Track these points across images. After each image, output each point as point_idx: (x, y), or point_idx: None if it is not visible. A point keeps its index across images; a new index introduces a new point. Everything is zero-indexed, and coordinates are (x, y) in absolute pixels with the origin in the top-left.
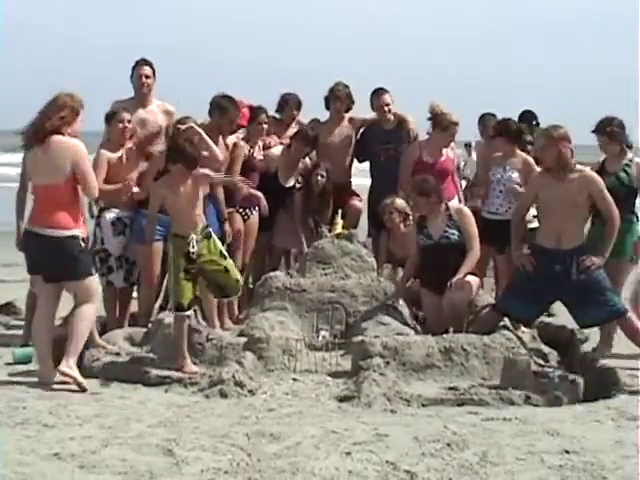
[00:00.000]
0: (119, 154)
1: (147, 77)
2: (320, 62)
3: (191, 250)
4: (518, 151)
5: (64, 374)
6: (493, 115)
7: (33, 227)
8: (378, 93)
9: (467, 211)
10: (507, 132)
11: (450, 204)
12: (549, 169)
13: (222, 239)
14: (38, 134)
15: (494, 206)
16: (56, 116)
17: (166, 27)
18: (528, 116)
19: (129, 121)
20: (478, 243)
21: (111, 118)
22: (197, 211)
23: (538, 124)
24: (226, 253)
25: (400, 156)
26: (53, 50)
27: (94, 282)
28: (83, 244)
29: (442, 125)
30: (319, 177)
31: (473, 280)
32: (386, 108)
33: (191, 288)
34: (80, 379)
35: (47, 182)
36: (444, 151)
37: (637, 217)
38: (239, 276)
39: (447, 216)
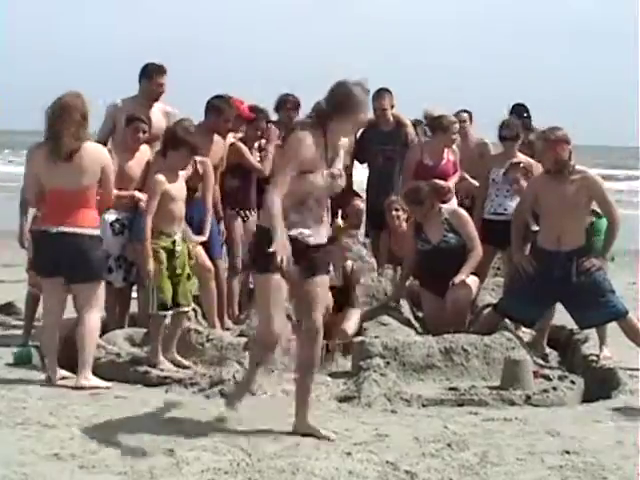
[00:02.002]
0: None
1: (162, 85)
2: (321, 61)
3: (177, 249)
4: (518, 152)
5: (83, 388)
6: (468, 112)
7: (55, 228)
8: (377, 95)
9: (462, 212)
10: (513, 134)
11: (444, 207)
12: (549, 171)
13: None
14: (66, 150)
15: (501, 207)
16: (76, 128)
17: (164, 25)
18: (518, 109)
19: (144, 131)
20: (479, 242)
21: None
22: (183, 210)
23: (529, 117)
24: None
25: (398, 158)
26: (53, 47)
27: (101, 287)
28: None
29: (442, 127)
30: None
31: (474, 280)
32: (382, 112)
33: (170, 288)
34: (102, 385)
35: (76, 186)
36: (445, 154)
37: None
38: (193, 287)
39: (443, 220)
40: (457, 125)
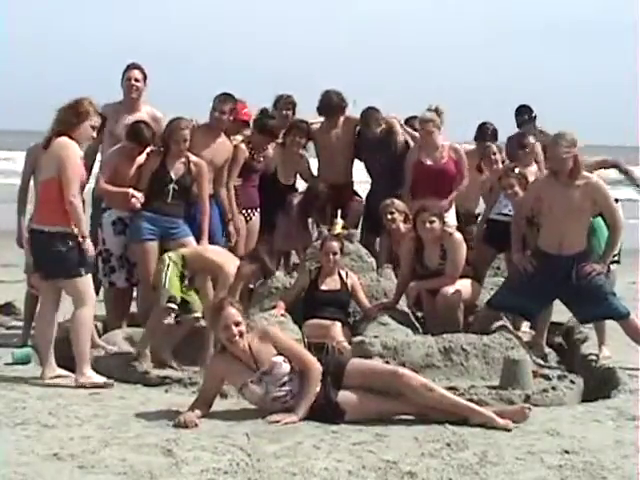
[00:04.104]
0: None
1: (137, 81)
2: (318, 64)
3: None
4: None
5: (82, 386)
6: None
7: (32, 224)
8: (367, 114)
9: (458, 237)
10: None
11: (448, 230)
12: (556, 174)
13: (227, 239)
14: (47, 138)
15: (507, 208)
16: (60, 120)
17: (161, 29)
18: (523, 110)
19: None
20: (458, 273)
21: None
22: None
23: (535, 117)
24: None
25: (389, 162)
26: (50, 51)
27: (84, 283)
28: (72, 242)
29: (419, 127)
30: (319, 200)
31: (465, 284)
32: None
33: (179, 286)
34: (100, 382)
35: (43, 178)
36: (444, 153)
37: None
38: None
39: (441, 245)
40: (427, 124)
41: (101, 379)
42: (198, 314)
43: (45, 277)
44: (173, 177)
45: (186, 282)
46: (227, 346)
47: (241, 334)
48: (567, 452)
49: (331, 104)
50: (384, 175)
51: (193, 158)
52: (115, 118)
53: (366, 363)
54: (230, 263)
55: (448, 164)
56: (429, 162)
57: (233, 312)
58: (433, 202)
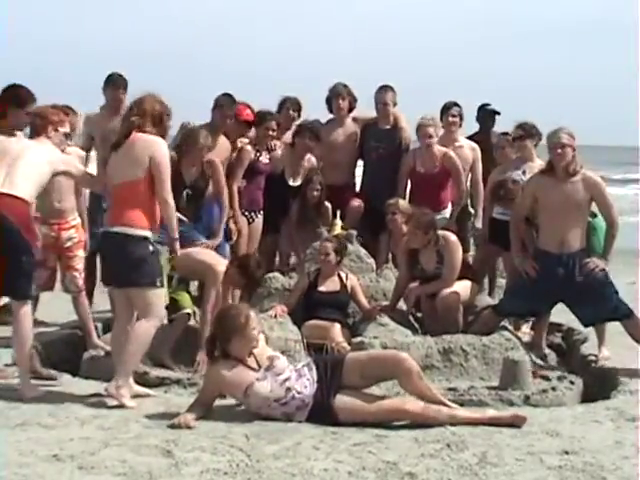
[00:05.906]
0: None
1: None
2: (320, 65)
3: None
4: (535, 155)
5: (110, 395)
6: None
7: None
8: (381, 90)
9: (454, 240)
10: (531, 135)
11: (439, 233)
12: (551, 171)
13: (228, 237)
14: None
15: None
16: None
17: (164, 30)
18: (486, 110)
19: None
20: (455, 276)
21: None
22: None
23: (497, 112)
24: None
25: (389, 158)
26: (50, 51)
27: (158, 296)
28: (152, 248)
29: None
30: (314, 192)
31: (464, 285)
32: (383, 107)
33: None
34: (127, 403)
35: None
36: (437, 162)
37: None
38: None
39: (437, 250)
40: (426, 127)
41: (130, 402)
42: (189, 310)
43: (118, 285)
44: (187, 182)
45: (173, 283)
46: (244, 350)
47: None
48: (567, 452)
49: (336, 92)
50: (379, 169)
51: (205, 158)
52: (102, 124)
53: (364, 352)
54: (218, 264)
55: (440, 173)
56: (423, 170)
57: (255, 318)
58: (424, 212)
